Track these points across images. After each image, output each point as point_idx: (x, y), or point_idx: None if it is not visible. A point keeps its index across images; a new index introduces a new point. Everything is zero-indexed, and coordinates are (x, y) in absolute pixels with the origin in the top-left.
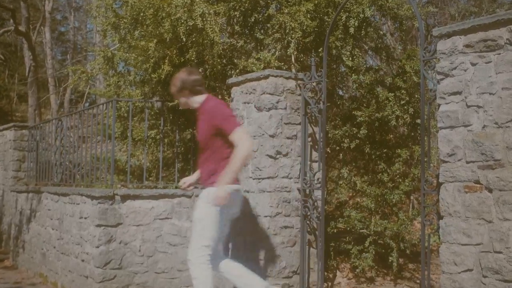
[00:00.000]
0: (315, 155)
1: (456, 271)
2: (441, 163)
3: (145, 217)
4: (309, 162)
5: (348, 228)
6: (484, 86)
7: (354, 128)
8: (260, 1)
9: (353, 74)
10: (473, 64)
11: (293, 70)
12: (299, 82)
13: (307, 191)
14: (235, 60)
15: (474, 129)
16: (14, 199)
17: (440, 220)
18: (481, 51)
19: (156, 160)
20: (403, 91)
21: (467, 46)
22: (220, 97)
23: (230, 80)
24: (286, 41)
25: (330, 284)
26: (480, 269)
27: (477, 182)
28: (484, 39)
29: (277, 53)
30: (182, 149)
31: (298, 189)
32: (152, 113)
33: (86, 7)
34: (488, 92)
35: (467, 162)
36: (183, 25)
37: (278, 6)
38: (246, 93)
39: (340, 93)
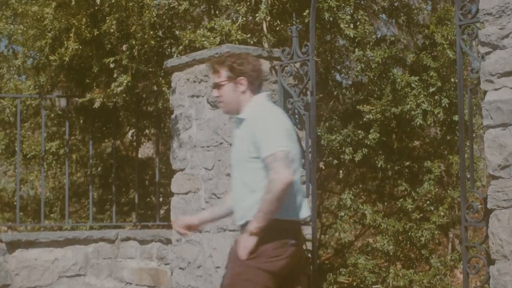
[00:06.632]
0: (301, 173)
1: None
2: (491, 180)
3: (46, 275)
4: None
5: (355, 283)
6: None
7: (360, 131)
8: None
9: (356, 49)
10: None
11: (265, 45)
12: (274, 63)
13: None
14: (177, 32)
15: None
16: None
17: (491, 266)
18: None
19: (61, 187)
20: (432, 73)
21: None
22: (155, 87)
23: (169, 62)
24: (253, 0)
25: None
26: None
27: None
28: None
29: (240, 19)
30: (100, 169)
31: None
32: (53, 115)
33: None
34: None
35: None
36: None
37: None
38: (195, 82)
39: (338, 78)
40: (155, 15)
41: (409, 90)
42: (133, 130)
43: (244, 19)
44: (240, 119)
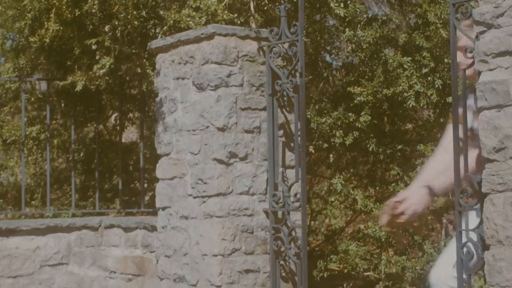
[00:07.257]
0: (290, 157)
1: None
2: (485, 163)
3: (27, 264)
4: (281, 169)
5: (346, 270)
6: None
7: (350, 114)
8: None
9: (347, 29)
10: None
11: (253, 25)
12: (262, 43)
13: (280, 214)
14: (161, 12)
15: None
16: None
17: (486, 252)
18: None
19: (42, 173)
20: (425, 53)
21: None
22: (139, 69)
23: (154, 44)
24: None
25: None
26: None
27: None
28: None
29: None
30: (82, 154)
31: (266, 212)
32: (33, 99)
33: None
34: None
35: None
36: None
37: None
38: (180, 63)
39: (328, 59)
40: None
41: (401, 71)
42: (116, 114)
43: None
44: None
